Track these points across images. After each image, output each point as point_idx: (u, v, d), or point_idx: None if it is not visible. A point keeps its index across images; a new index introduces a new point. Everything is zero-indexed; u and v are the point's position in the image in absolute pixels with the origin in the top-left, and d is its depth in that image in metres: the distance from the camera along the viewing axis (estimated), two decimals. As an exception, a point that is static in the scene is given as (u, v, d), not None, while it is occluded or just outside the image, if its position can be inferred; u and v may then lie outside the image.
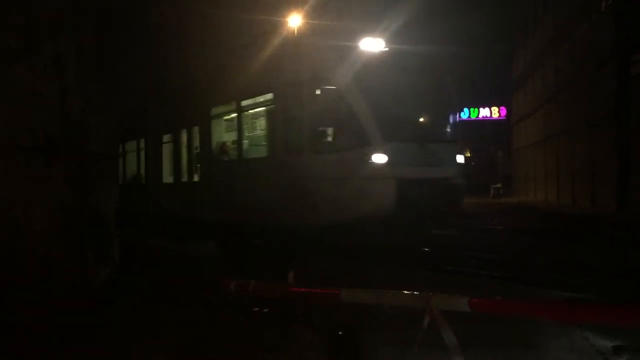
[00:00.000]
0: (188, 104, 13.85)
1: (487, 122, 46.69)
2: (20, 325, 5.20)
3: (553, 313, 3.11)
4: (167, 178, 15.03)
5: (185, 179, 14.01)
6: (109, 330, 5.16)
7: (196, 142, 13.46)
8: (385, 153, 8.73)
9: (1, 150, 5.51)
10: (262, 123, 12.19)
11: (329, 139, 9.54)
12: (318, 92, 9.80)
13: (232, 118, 12.40)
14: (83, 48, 6.17)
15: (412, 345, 3.45)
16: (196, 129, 13.32)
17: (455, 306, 3.18)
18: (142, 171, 16.72)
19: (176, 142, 14.34)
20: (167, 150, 15.14)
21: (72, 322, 5.34)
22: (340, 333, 4.47)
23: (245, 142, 12.08)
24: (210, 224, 11.97)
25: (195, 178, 13.51)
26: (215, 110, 12.78)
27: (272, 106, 10.83)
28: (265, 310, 5.24)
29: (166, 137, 15.06)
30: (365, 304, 4.04)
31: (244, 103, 11.71)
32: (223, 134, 13.03)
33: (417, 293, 3.36)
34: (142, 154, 16.61)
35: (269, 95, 10.87)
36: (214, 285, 5.34)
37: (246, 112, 11.95)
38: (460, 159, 10.04)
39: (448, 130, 10.60)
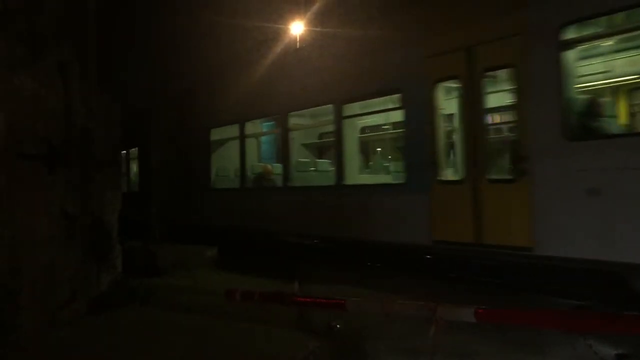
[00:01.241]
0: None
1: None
2: (22, 331, 5.20)
3: (559, 322, 3.11)
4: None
5: (458, 174, 7.54)
6: (110, 337, 5.16)
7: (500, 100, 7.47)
8: None
9: (5, 157, 5.52)
10: None
11: None
12: None
13: None
14: (86, 55, 6.19)
15: (416, 354, 3.45)
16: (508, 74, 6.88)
17: (461, 316, 3.18)
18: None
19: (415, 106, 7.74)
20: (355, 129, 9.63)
21: (74, 328, 5.35)
22: (344, 340, 4.49)
23: None
24: None
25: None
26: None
27: None
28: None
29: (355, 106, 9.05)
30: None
31: None
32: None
33: (423, 303, 3.36)
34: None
35: None
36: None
37: None
38: None
39: None
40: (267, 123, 11.91)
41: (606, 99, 7.40)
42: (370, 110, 9.35)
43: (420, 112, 7.69)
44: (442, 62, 7.42)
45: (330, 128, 9.50)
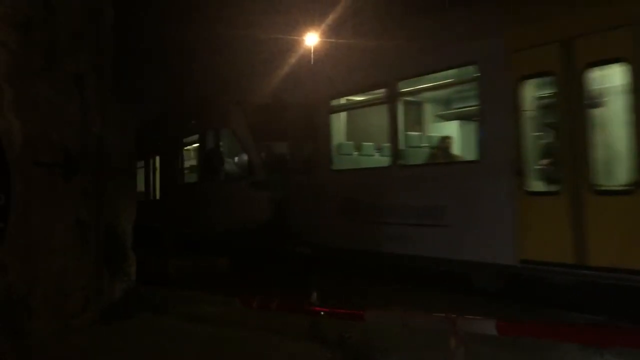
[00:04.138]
0: None
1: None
2: (35, 338, 5.21)
3: (580, 336, 3.11)
4: None
5: None
6: (123, 346, 5.17)
7: None
8: None
9: (20, 165, 5.56)
10: None
11: None
12: None
13: None
14: (103, 65, 6.25)
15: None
16: None
17: (482, 329, 3.18)
18: None
19: None
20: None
21: (86, 336, 5.36)
22: (358, 352, 4.48)
23: None
24: None
25: None
26: None
27: None
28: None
29: None
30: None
31: None
32: None
33: (443, 315, 3.36)
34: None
35: None
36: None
37: None
38: None
39: None
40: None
41: None
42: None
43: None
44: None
45: None
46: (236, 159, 12.76)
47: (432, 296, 6.92)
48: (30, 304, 5.40)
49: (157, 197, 16.60)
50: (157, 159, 16.63)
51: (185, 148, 15.44)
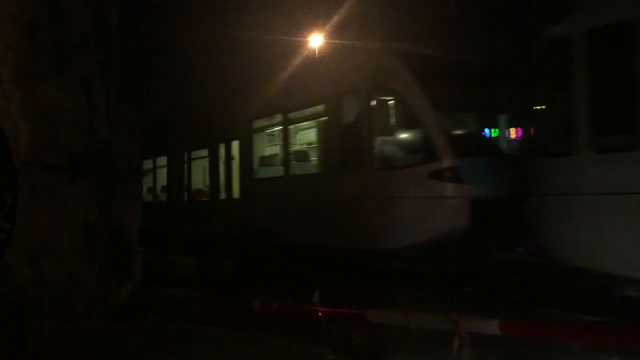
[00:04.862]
0: None
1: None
2: (43, 341, 5.23)
3: (584, 337, 3.04)
4: None
5: None
6: (130, 347, 5.17)
7: None
8: None
9: (27, 168, 5.59)
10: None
11: None
12: None
13: None
14: (109, 67, 6.27)
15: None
16: None
17: (485, 329, 3.13)
18: None
19: None
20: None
21: (93, 339, 5.37)
22: (363, 355, 4.45)
23: None
24: None
25: None
26: None
27: None
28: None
29: None
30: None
31: None
32: None
33: (446, 315, 3.32)
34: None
35: None
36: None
37: None
38: None
39: None
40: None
41: None
42: None
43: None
44: None
45: None
46: (400, 136, 8.72)
47: (434, 297, 6.87)
48: (39, 306, 5.42)
49: (231, 196, 13.21)
50: (234, 144, 12.98)
51: (292, 126, 11.45)
